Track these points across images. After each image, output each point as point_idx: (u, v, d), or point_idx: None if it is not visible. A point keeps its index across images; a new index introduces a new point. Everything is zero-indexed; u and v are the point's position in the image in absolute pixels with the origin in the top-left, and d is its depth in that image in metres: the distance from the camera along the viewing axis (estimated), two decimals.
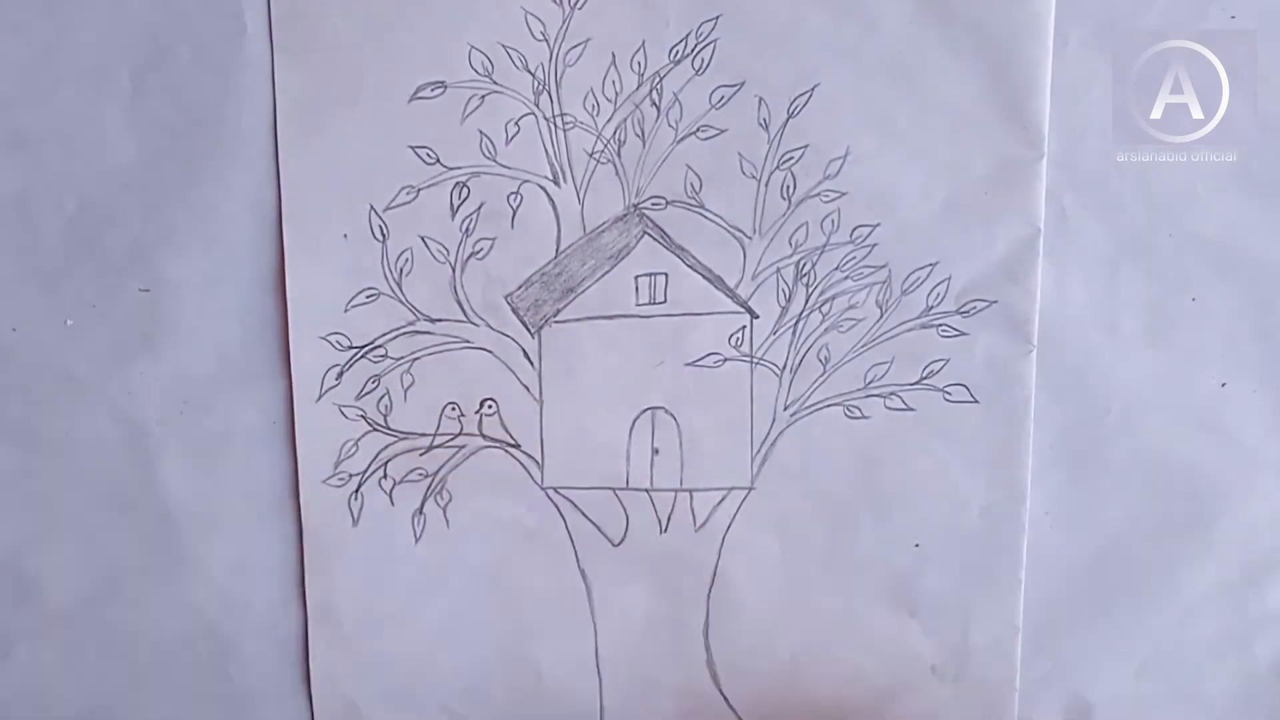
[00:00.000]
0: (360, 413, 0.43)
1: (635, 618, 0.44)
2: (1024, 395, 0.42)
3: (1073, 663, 0.44)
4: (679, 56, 0.41)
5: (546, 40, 0.41)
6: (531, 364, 0.42)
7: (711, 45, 0.41)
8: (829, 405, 0.42)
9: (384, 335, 0.42)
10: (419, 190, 0.42)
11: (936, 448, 0.42)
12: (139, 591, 0.44)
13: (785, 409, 0.42)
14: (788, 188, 0.41)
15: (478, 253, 0.42)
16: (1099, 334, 0.42)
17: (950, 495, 0.42)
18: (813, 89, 0.41)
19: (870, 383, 0.42)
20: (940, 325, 0.42)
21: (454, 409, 0.43)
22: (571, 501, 0.43)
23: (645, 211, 0.42)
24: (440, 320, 0.42)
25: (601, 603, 0.44)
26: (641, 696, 0.44)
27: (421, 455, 0.43)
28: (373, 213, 0.42)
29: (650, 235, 0.42)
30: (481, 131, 0.41)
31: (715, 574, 0.43)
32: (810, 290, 0.42)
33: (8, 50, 0.41)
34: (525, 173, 0.42)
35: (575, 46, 0.41)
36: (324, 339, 0.42)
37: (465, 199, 0.42)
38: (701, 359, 0.42)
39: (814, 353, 0.42)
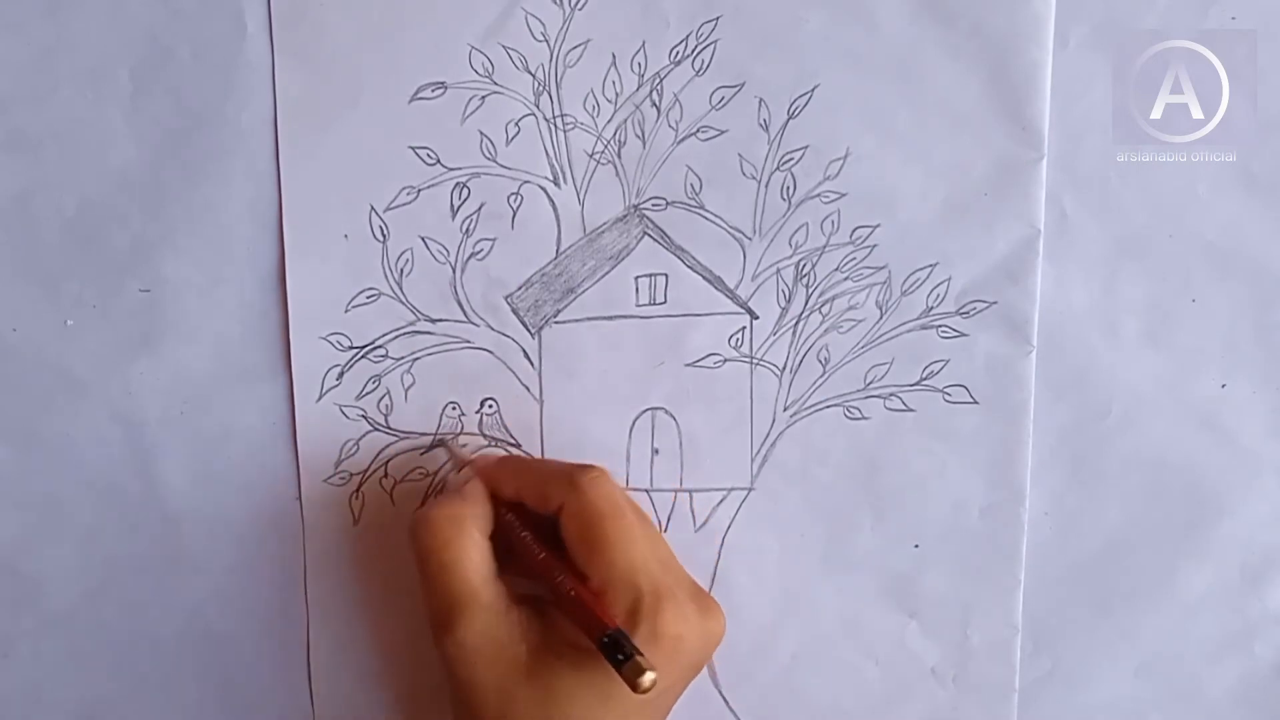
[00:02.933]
0: (361, 412, 0.43)
1: None
2: (1024, 396, 0.42)
3: (1073, 663, 0.44)
4: (679, 57, 0.41)
5: (547, 41, 0.41)
6: (531, 364, 0.42)
7: (711, 46, 0.41)
8: (829, 406, 0.42)
9: (384, 335, 0.42)
10: (419, 190, 0.42)
11: (936, 448, 0.42)
12: (139, 591, 0.44)
13: (785, 409, 0.42)
14: (788, 188, 0.41)
15: (478, 253, 0.42)
16: (1099, 334, 0.42)
17: (950, 495, 0.42)
18: (813, 90, 0.41)
19: (870, 383, 0.42)
20: (940, 326, 0.42)
21: (454, 409, 0.43)
22: None
23: (645, 212, 0.42)
24: (440, 320, 0.42)
25: None
26: None
27: (422, 455, 0.43)
28: (373, 213, 0.42)
29: (650, 236, 0.42)
30: (482, 132, 0.41)
31: (715, 574, 0.43)
32: (810, 291, 0.42)
33: (8, 50, 0.41)
34: (525, 173, 0.42)
35: (575, 47, 0.41)
36: (324, 339, 0.42)
37: (465, 199, 0.42)
38: (701, 359, 0.42)
39: (814, 353, 0.42)
